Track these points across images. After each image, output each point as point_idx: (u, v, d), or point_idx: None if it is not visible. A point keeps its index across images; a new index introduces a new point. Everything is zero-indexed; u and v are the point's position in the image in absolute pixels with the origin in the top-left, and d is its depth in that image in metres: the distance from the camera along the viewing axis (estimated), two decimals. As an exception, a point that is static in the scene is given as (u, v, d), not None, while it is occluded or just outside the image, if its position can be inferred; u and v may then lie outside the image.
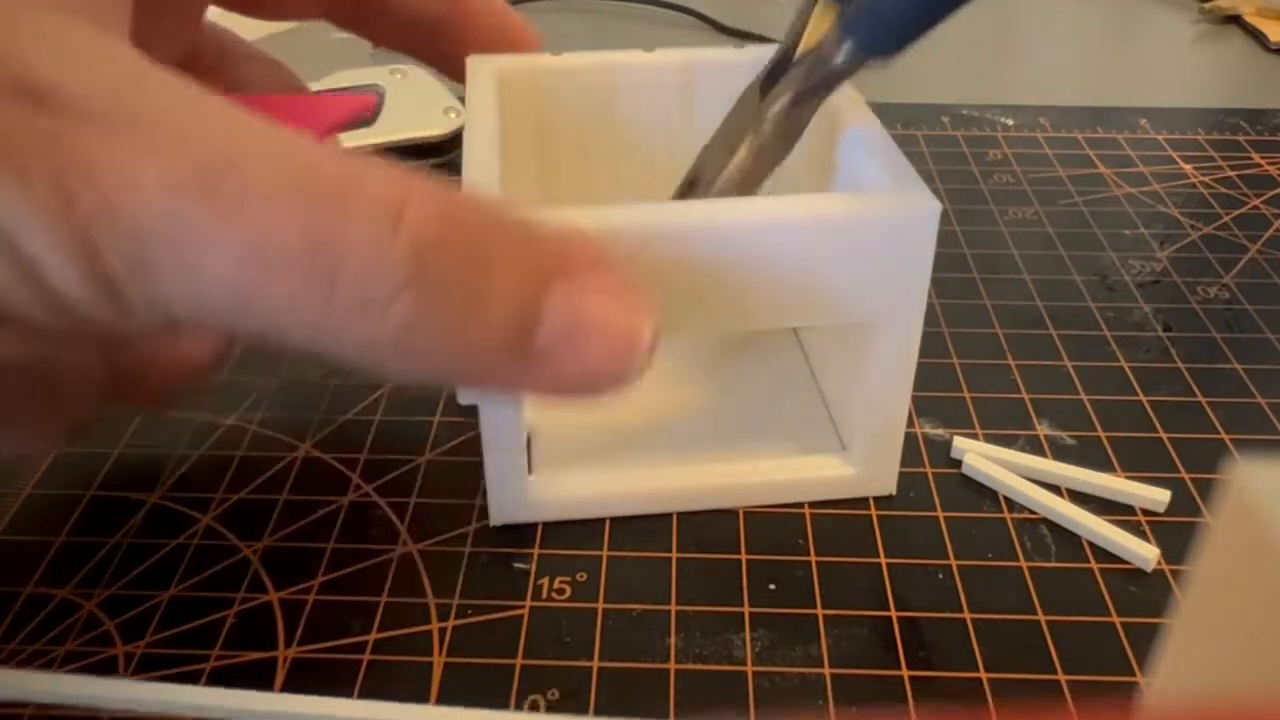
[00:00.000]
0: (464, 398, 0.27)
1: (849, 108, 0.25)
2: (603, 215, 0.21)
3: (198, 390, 0.24)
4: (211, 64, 0.22)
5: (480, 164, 0.23)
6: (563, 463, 0.26)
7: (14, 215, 0.14)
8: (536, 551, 0.24)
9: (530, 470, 0.25)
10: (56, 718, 0.21)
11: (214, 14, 0.26)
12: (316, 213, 0.15)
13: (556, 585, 0.24)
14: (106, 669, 0.22)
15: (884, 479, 0.26)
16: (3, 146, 0.14)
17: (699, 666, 0.22)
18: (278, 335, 0.16)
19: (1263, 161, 0.41)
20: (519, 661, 0.22)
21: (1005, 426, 0.28)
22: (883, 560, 0.24)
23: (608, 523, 0.25)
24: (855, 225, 0.22)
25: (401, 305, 0.16)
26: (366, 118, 0.28)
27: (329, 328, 0.16)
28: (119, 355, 0.21)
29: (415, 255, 0.16)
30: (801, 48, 0.23)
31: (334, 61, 0.43)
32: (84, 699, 0.21)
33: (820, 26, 0.23)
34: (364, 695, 0.21)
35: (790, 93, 0.23)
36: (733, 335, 0.30)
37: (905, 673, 0.22)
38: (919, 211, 0.22)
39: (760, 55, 0.28)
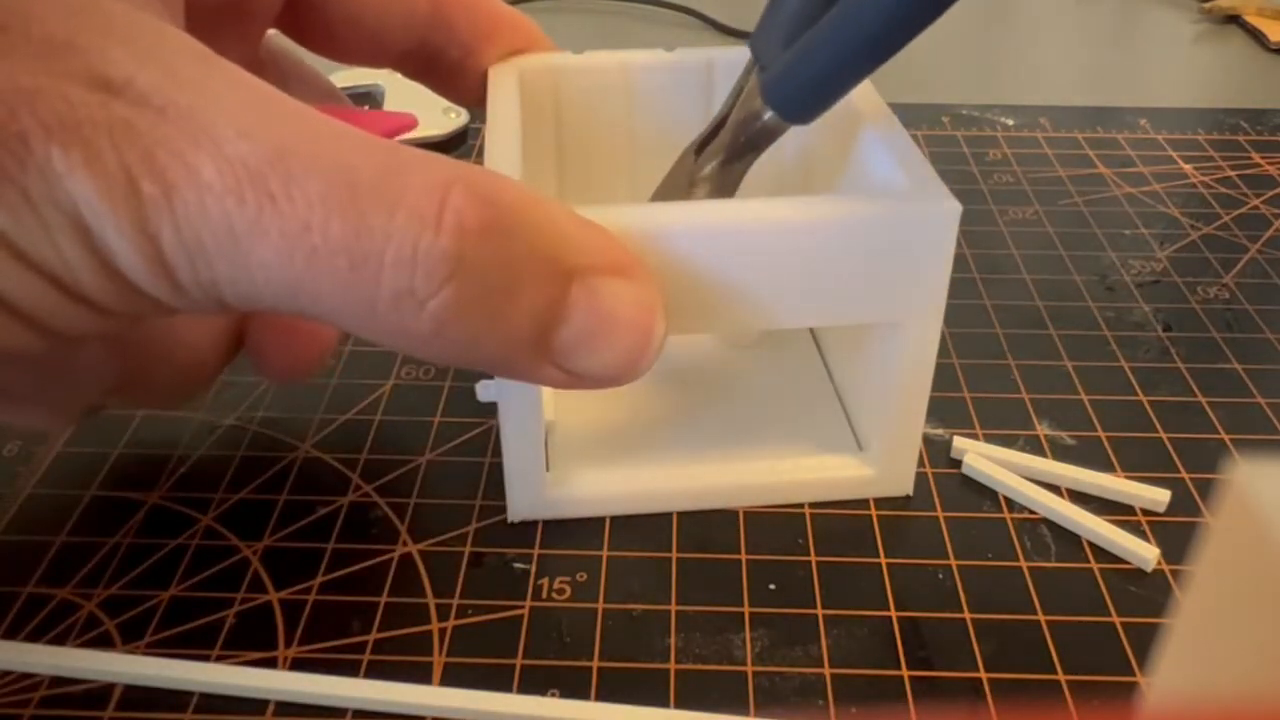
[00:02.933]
0: (483, 395, 0.27)
1: (869, 108, 0.25)
2: (621, 214, 0.21)
3: (201, 395, 0.25)
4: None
5: (501, 164, 0.23)
6: (579, 460, 0.26)
7: (86, 198, 0.15)
8: (536, 551, 0.24)
9: (547, 467, 0.25)
10: (68, 695, 0.21)
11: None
12: (361, 206, 0.16)
13: (556, 585, 0.24)
14: (106, 669, 0.22)
15: (901, 480, 0.26)
16: (78, 133, 0.15)
17: (699, 666, 0.22)
18: (323, 320, 0.17)
19: (1263, 161, 0.41)
20: (519, 661, 0.22)
21: (1005, 426, 0.28)
22: (883, 560, 0.24)
23: (608, 522, 0.25)
24: (875, 226, 0.22)
25: (439, 300, 0.17)
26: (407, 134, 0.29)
27: (371, 316, 0.17)
28: (130, 349, 0.21)
29: (455, 251, 0.16)
30: (734, 113, 0.24)
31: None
32: (92, 673, 0.21)
33: (754, 93, 0.23)
34: (364, 695, 0.21)
35: (721, 154, 0.24)
36: (748, 334, 0.30)
37: (905, 673, 0.22)
38: (939, 213, 0.22)
39: None
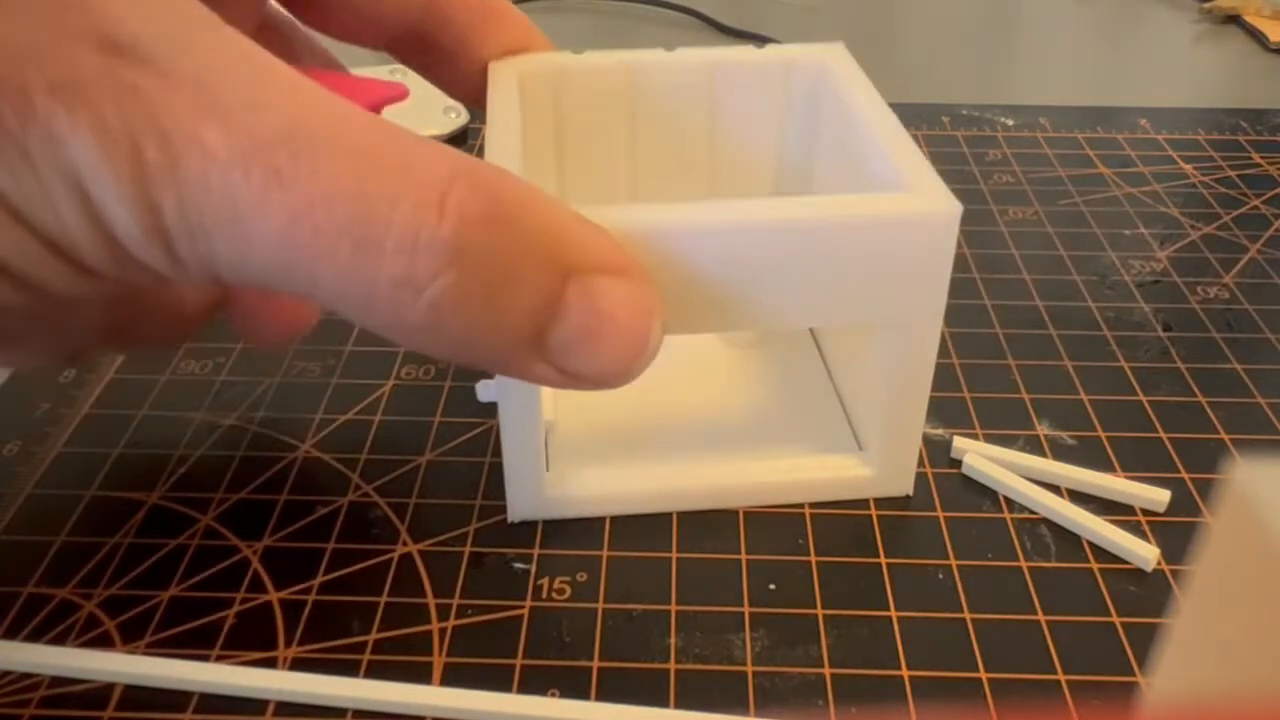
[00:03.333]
0: (483, 395, 0.27)
1: (869, 108, 0.25)
2: (621, 214, 0.21)
3: (189, 339, 0.25)
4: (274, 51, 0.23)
5: (502, 163, 0.23)
6: (579, 460, 0.26)
7: (88, 161, 0.15)
8: (536, 551, 0.24)
9: (547, 467, 0.25)
10: (68, 695, 0.21)
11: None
12: (366, 190, 0.16)
13: (556, 585, 0.24)
14: (106, 669, 0.22)
15: (901, 480, 0.26)
16: (83, 94, 0.15)
17: (699, 666, 0.22)
18: (318, 301, 0.17)
19: (1263, 161, 0.41)
20: (519, 661, 0.22)
21: (1005, 426, 0.28)
22: (883, 560, 0.24)
23: (607, 522, 0.25)
24: (875, 227, 0.22)
25: (436, 288, 0.16)
26: (400, 102, 0.29)
27: (368, 302, 0.16)
28: (120, 301, 0.21)
29: (456, 241, 0.16)
30: None
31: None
32: (92, 673, 0.21)
33: None
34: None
35: None
36: (748, 334, 0.30)
37: (905, 673, 0.22)
38: (940, 213, 0.22)
39: (780, 56, 0.28)
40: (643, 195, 0.30)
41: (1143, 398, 0.29)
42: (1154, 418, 0.28)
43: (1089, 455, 0.27)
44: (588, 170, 0.29)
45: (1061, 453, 0.27)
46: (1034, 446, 0.27)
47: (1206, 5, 0.56)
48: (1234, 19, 0.56)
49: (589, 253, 0.18)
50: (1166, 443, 0.27)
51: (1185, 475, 0.26)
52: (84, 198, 0.15)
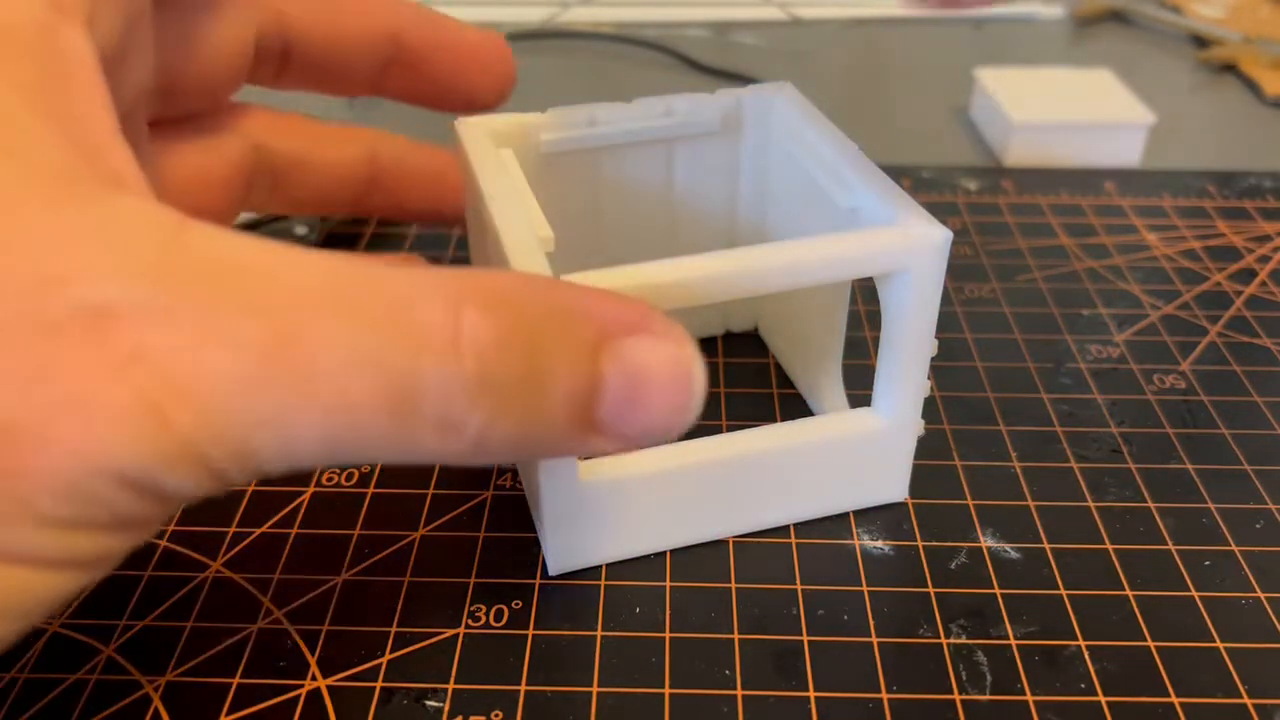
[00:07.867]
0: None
1: (830, 143, 0.26)
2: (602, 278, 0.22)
3: None
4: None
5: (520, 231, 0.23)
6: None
7: (129, 454, 0.15)
8: (451, 687, 0.23)
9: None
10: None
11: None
12: (385, 359, 0.16)
13: (469, 725, 0.23)
14: None
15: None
16: (95, 395, 0.15)
17: None
18: (369, 461, 0.18)
19: (1227, 230, 0.40)
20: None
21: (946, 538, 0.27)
22: (864, 589, 0.24)
23: (528, 644, 0.24)
24: (869, 261, 0.23)
25: (476, 418, 0.17)
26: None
27: (413, 450, 0.17)
28: None
29: (481, 372, 0.16)
30: None
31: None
32: None
33: None
34: None
35: None
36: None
37: (885, 695, 0.21)
38: (929, 238, 0.23)
39: (729, 99, 0.29)
40: (608, 251, 0.30)
41: (1090, 503, 0.28)
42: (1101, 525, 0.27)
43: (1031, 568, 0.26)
44: (559, 234, 0.29)
45: (1003, 566, 0.26)
46: (975, 558, 0.26)
47: (1203, 54, 0.55)
48: (1230, 69, 0.54)
49: (609, 320, 0.18)
50: (1111, 554, 0.27)
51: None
52: (133, 485, 0.15)
